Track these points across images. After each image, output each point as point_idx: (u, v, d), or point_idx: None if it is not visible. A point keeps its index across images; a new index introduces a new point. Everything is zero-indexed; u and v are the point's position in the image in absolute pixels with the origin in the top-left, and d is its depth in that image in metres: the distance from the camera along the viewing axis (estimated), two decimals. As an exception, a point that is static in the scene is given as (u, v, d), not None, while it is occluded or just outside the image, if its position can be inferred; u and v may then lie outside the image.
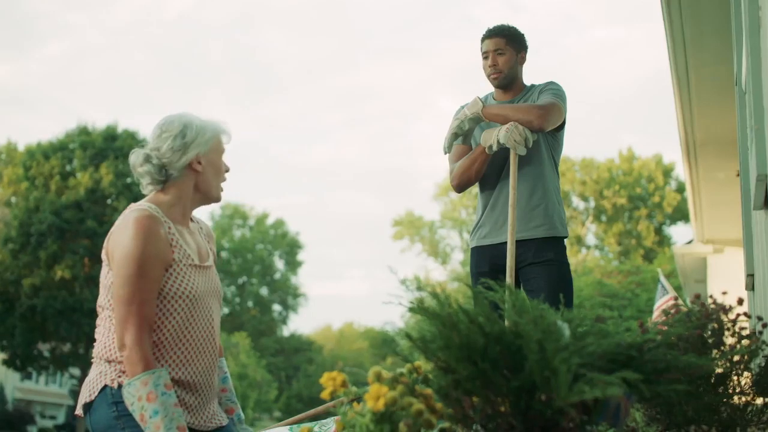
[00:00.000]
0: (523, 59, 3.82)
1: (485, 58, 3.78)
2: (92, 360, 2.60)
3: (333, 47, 75.03)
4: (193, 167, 2.60)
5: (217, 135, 2.66)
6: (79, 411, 2.55)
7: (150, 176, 2.59)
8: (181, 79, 76.83)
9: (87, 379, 2.56)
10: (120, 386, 2.45)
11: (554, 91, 3.72)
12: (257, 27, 75.85)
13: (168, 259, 2.51)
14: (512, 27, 3.80)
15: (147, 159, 2.59)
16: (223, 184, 2.71)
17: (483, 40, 3.80)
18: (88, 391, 2.51)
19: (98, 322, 2.58)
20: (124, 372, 2.45)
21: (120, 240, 2.48)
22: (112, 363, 2.49)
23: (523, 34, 3.80)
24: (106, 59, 70.17)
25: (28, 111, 70.12)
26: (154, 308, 2.47)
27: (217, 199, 2.70)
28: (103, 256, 2.56)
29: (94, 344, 2.60)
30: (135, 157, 2.61)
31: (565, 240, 3.74)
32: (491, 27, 3.80)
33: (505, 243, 3.59)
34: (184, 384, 2.53)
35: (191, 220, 2.72)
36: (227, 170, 2.72)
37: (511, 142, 3.56)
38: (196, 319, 2.56)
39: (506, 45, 3.74)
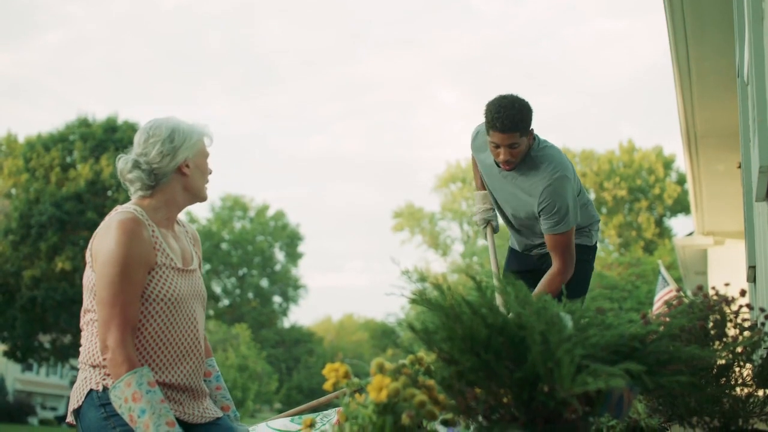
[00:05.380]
0: (532, 135, 3.49)
1: (496, 147, 3.44)
2: (78, 367, 2.61)
3: (332, 38, 75.06)
4: (182, 171, 2.61)
5: (201, 138, 2.68)
6: (70, 419, 2.56)
7: (140, 182, 2.58)
8: (180, 70, 76.91)
9: (74, 387, 2.56)
10: (105, 389, 2.45)
11: (555, 219, 3.50)
12: (256, 18, 75.89)
13: (151, 262, 2.51)
14: (523, 113, 3.39)
15: (136, 165, 2.58)
16: (207, 185, 2.73)
17: (493, 131, 3.39)
18: (75, 398, 2.53)
19: (82, 325, 2.58)
20: (109, 375, 2.45)
21: (103, 242, 2.48)
22: (97, 368, 2.50)
23: (531, 113, 3.42)
24: (105, 50, 70.25)
25: (28, 102, 70.19)
26: (137, 310, 2.47)
27: (204, 199, 2.72)
28: (88, 257, 2.56)
29: (80, 350, 2.61)
30: (123, 163, 2.60)
31: (595, 247, 3.95)
32: (503, 119, 3.35)
33: (525, 252, 3.92)
34: (169, 387, 2.53)
35: (177, 223, 2.73)
36: (210, 172, 2.73)
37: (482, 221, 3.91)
38: (178, 323, 2.56)
39: (520, 137, 3.40)
